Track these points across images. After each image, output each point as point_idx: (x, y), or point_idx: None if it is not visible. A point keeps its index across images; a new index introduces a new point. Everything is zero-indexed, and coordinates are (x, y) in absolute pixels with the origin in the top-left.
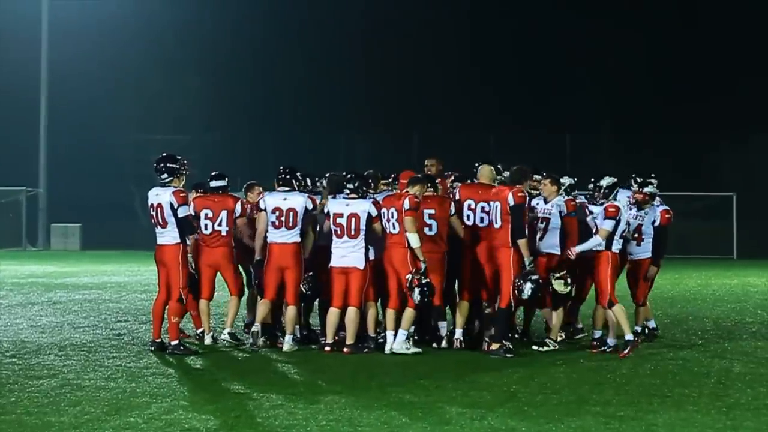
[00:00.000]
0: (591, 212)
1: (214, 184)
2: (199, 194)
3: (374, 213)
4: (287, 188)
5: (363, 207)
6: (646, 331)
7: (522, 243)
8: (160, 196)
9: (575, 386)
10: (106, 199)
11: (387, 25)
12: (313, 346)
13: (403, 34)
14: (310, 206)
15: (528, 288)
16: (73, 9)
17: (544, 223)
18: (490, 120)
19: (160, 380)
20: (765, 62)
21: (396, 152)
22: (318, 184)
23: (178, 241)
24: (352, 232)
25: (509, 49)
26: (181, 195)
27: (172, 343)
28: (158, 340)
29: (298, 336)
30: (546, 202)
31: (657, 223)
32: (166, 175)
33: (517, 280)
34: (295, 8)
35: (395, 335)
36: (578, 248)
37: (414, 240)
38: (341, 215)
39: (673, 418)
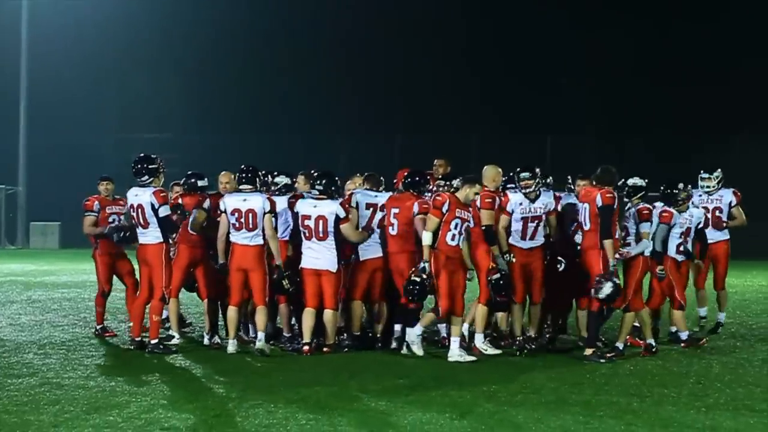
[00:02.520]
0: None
1: (201, 183)
2: (184, 192)
3: (342, 214)
4: (250, 187)
5: (331, 209)
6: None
7: (608, 243)
8: (140, 196)
9: (555, 386)
10: (86, 197)
11: (369, 26)
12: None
13: (385, 35)
14: (268, 207)
15: (608, 287)
16: (53, 7)
17: (536, 221)
18: (472, 121)
19: (139, 379)
20: (749, 65)
21: (378, 154)
22: (294, 181)
23: (161, 240)
24: (321, 235)
25: (491, 51)
26: (161, 195)
27: (152, 341)
28: (138, 339)
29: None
30: (531, 200)
31: (701, 226)
32: (147, 177)
33: (597, 279)
34: (276, 8)
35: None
36: (633, 250)
37: (426, 238)
38: (309, 217)
39: (653, 418)
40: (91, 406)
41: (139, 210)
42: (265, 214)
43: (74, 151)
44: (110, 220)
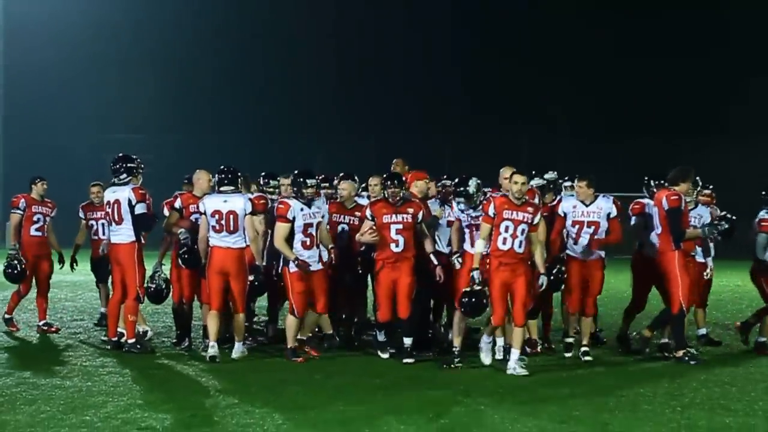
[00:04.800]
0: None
1: None
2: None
3: (249, 208)
4: (231, 188)
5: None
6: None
7: (688, 234)
8: (118, 193)
9: (531, 386)
10: (62, 198)
11: (344, 28)
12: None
13: (361, 37)
14: (250, 208)
15: (723, 225)
16: (27, 6)
17: (593, 227)
18: (447, 122)
19: (116, 379)
20: (726, 66)
21: (353, 155)
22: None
23: (133, 239)
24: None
25: (465, 51)
26: (140, 192)
27: (129, 341)
28: (114, 339)
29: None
30: (586, 205)
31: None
32: (125, 175)
33: (713, 226)
34: (254, 10)
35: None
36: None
37: (477, 245)
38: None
39: (629, 418)
40: (68, 406)
41: (115, 206)
42: (246, 215)
43: (50, 152)
44: (35, 219)
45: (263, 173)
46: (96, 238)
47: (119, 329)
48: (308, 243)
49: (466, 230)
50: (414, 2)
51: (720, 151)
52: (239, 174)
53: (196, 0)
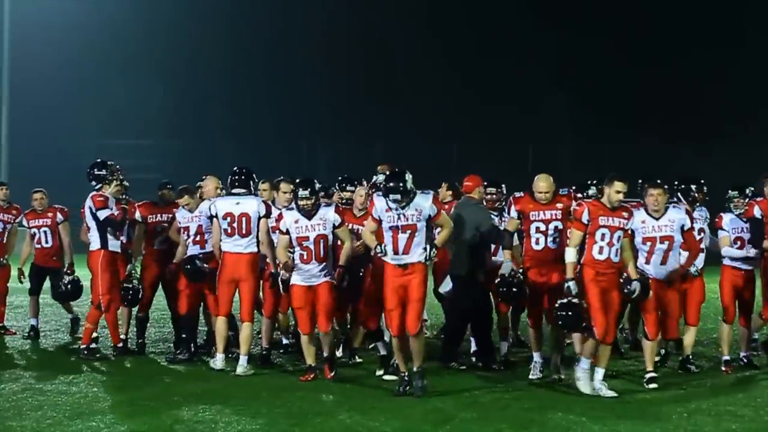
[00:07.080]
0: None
1: None
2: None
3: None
4: (243, 190)
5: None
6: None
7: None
8: (87, 201)
9: (537, 392)
10: (67, 204)
11: (349, 33)
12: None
13: (366, 42)
14: (263, 211)
15: None
16: (33, 10)
17: (666, 243)
18: (452, 129)
19: (122, 385)
20: (727, 74)
21: (358, 160)
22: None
23: (99, 246)
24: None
25: (472, 58)
26: (98, 199)
27: (82, 346)
28: (120, 345)
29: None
30: (656, 218)
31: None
32: (94, 183)
33: None
34: (257, 16)
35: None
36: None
37: (569, 254)
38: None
39: (635, 424)
40: (74, 412)
41: (85, 213)
42: (260, 218)
43: (55, 157)
44: None
45: (339, 178)
46: (39, 246)
47: (120, 336)
48: (305, 257)
49: (389, 232)
50: (419, 7)
51: (722, 153)
52: (253, 175)
53: (203, 5)
